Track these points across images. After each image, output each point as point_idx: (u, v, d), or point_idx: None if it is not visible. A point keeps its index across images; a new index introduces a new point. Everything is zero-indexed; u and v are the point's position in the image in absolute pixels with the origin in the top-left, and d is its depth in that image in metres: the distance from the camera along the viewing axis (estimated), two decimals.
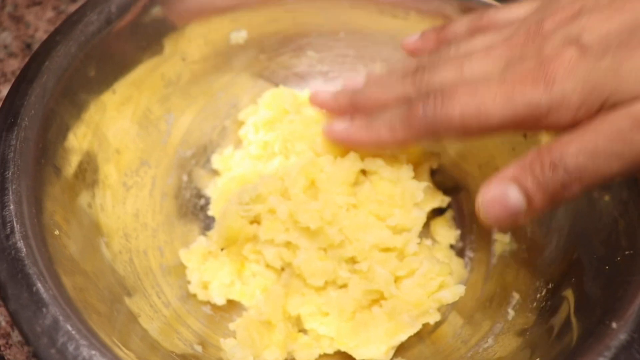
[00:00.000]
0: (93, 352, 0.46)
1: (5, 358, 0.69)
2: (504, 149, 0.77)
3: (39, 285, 0.49)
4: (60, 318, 0.47)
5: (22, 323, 0.47)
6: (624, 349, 0.48)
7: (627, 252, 0.56)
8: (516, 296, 0.68)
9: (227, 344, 0.63)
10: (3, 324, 0.72)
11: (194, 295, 0.70)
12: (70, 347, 0.46)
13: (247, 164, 0.78)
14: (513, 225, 0.56)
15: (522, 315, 0.65)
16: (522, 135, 0.73)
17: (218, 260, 0.71)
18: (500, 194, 0.46)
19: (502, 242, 0.74)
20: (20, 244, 0.51)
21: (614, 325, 0.50)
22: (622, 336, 0.49)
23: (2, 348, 0.70)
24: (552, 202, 0.46)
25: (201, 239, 0.73)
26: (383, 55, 0.84)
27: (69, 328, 0.47)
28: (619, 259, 0.57)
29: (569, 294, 0.61)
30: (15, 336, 0.71)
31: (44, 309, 0.48)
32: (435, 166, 0.80)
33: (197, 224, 0.77)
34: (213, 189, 0.78)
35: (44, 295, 0.48)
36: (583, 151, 0.42)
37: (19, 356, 0.69)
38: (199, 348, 0.64)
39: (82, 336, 0.47)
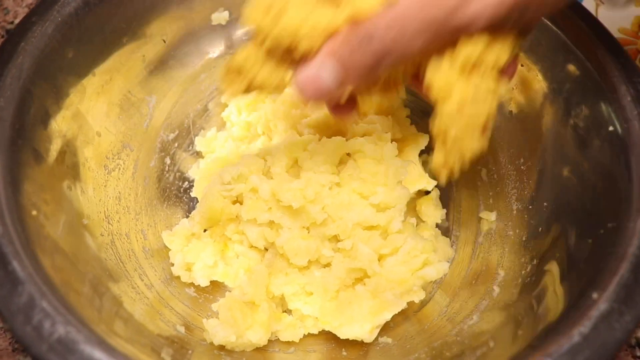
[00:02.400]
0: (69, 328, 0.46)
1: None
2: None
3: (15, 263, 0.48)
4: (36, 296, 0.47)
5: None
6: (603, 318, 0.48)
7: (609, 225, 0.56)
8: (501, 273, 0.68)
9: (209, 324, 0.63)
10: None
11: (178, 277, 0.69)
12: (46, 325, 0.46)
13: (230, 145, 0.77)
14: (326, 100, 0.58)
15: (507, 292, 0.65)
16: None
17: (201, 241, 0.70)
18: (314, 74, 0.47)
19: (487, 220, 0.74)
20: None
21: (594, 295, 0.50)
22: (603, 306, 0.48)
23: None
24: (365, 77, 0.47)
25: (184, 222, 0.73)
26: None
27: (45, 305, 0.46)
28: (602, 231, 0.57)
29: (553, 268, 0.61)
30: None
31: (20, 287, 0.47)
32: (423, 146, 0.79)
33: (180, 207, 0.77)
34: (196, 171, 0.77)
35: (20, 273, 0.48)
36: (392, 25, 0.43)
37: (1, 342, 0.69)
38: (181, 329, 0.63)
39: (58, 313, 0.46)
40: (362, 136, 0.72)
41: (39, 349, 0.45)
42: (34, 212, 0.56)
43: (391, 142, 0.71)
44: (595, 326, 0.47)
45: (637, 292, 0.49)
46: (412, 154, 0.78)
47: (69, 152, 0.65)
